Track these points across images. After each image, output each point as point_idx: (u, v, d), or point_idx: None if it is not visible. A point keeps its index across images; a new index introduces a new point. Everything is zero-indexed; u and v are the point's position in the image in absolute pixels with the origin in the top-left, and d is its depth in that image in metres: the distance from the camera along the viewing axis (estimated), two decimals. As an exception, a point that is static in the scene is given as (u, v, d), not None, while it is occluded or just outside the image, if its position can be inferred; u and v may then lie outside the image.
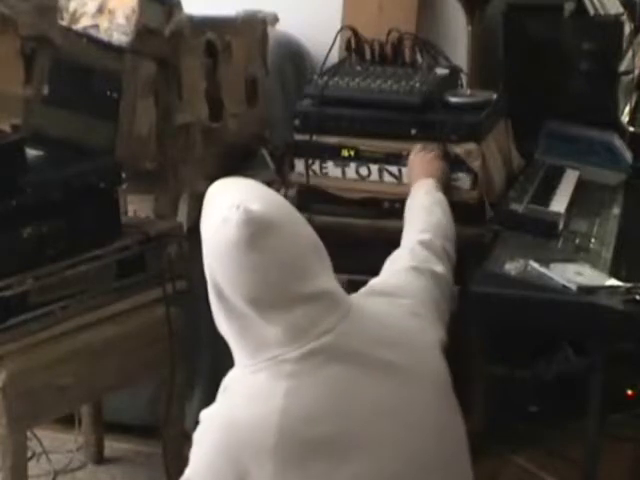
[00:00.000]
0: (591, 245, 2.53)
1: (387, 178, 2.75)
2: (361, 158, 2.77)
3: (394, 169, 2.74)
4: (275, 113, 3.31)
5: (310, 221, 1.89)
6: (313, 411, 1.69)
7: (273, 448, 1.66)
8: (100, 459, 3.14)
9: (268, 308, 1.72)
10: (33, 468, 2.87)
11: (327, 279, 1.79)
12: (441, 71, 2.91)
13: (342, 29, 3.14)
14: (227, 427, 1.73)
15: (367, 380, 1.74)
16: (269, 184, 2.97)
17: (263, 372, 1.73)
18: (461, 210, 2.69)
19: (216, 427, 1.75)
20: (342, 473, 1.68)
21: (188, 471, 1.78)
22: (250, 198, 1.76)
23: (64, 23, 2.70)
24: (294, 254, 1.75)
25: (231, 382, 1.80)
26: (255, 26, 3.18)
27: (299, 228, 1.79)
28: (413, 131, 2.74)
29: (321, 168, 2.79)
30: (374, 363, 1.76)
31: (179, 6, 2.84)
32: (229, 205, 1.75)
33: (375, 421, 1.72)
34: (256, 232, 1.71)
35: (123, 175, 2.64)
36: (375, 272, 2.15)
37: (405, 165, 2.73)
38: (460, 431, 1.85)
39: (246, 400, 1.74)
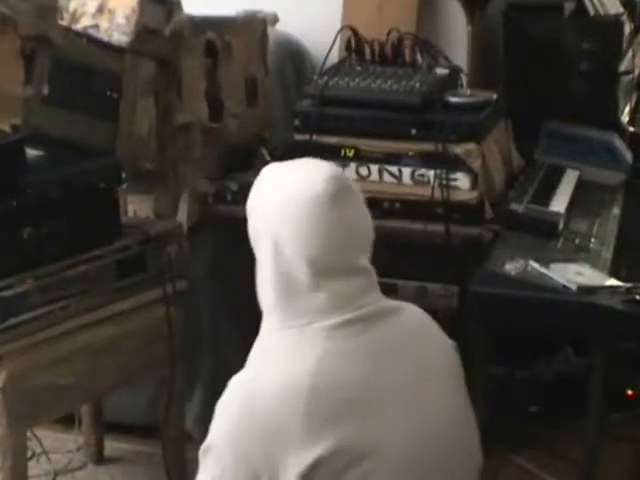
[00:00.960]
0: (591, 245, 2.53)
1: (387, 178, 2.76)
2: (361, 158, 2.78)
3: (394, 169, 2.75)
4: (275, 113, 3.31)
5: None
6: (344, 376, 1.71)
7: (303, 409, 1.67)
8: (100, 459, 3.14)
9: (323, 272, 1.75)
10: (33, 468, 2.87)
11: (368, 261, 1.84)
12: (441, 71, 2.91)
13: (342, 29, 3.15)
14: (254, 394, 1.72)
15: (395, 357, 1.77)
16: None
17: (298, 336, 1.75)
18: (461, 210, 2.70)
19: (243, 394, 1.75)
20: (371, 435, 1.69)
21: (210, 438, 1.77)
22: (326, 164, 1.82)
23: (64, 23, 2.70)
24: (359, 225, 1.81)
25: (265, 345, 1.81)
26: (255, 26, 3.18)
27: (364, 204, 1.84)
28: (413, 131, 2.74)
29: (321, 168, 2.78)
30: (401, 347, 1.79)
31: (179, 6, 2.83)
32: (312, 164, 1.81)
33: (399, 396, 1.75)
34: (340, 190, 1.76)
35: (123, 175, 2.64)
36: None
37: (405, 165, 2.74)
38: (474, 427, 1.87)
39: (279, 363, 1.74)
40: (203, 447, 1.78)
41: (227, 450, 1.73)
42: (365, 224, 1.83)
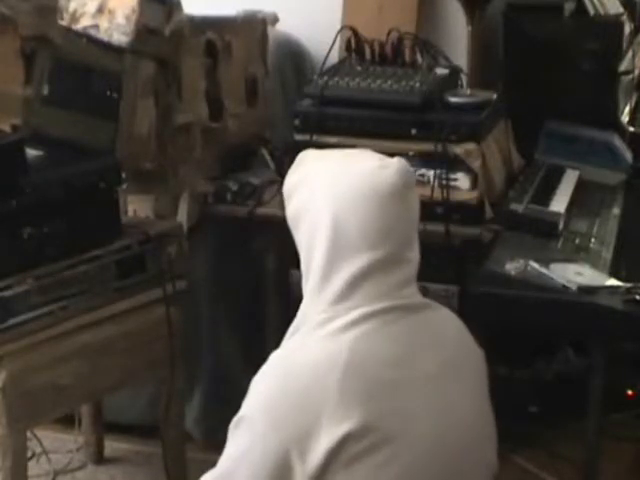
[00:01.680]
0: (591, 245, 2.53)
1: (387, 178, 2.75)
2: (361, 158, 2.77)
3: (394, 169, 2.74)
4: (275, 113, 3.31)
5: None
6: (379, 355, 1.73)
7: (338, 383, 1.68)
8: (100, 459, 3.14)
9: (381, 261, 1.76)
10: (33, 468, 2.87)
11: None
12: (441, 71, 2.91)
13: (342, 29, 3.14)
14: (292, 368, 1.74)
15: (429, 348, 1.79)
16: (270, 184, 3.00)
17: (337, 320, 1.75)
18: (461, 210, 2.70)
19: (281, 368, 1.76)
20: (397, 418, 1.71)
21: (244, 409, 1.75)
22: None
23: (64, 23, 2.70)
24: (416, 218, 1.84)
25: (303, 326, 1.81)
26: (255, 26, 3.18)
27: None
28: (413, 131, 2.74)
29: (321, 168, 2.78)
30: (436, 340, 1.82)
31: (179, 6, 2.83)
32: (380, 156, 1.83)
33: (429, 386, 1.76)
34: (408, 183, 1.80)
35: (123, 175, 2.64)
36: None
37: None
38: (493, 433, 1.90)
39: (318, 343, 1.75)
40: (235, 419, 1.76)
41: (260, 419, 1.72)
42: (417, 216, 1.86)
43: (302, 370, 1.72)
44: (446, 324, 1.87)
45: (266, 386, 1.75)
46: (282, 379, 1.74)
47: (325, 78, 2.85)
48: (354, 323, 1.74)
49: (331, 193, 1.79)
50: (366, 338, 1.73)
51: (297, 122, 2.84)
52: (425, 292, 2.70)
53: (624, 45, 3.27)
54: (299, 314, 1.84)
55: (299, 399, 1.69)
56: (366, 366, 1.71)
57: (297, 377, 1.72)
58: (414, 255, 1.83)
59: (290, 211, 1.87)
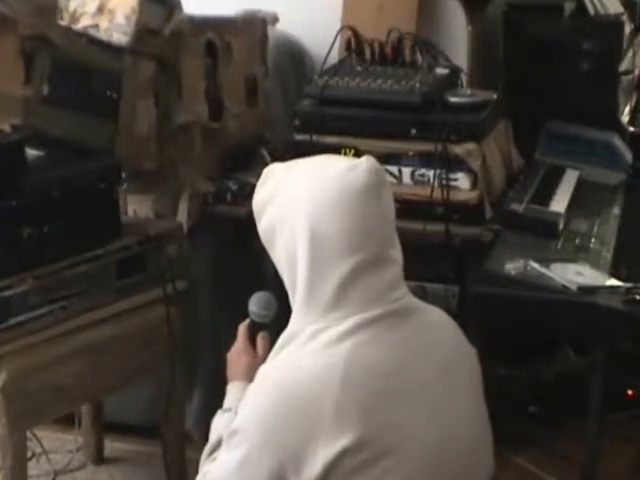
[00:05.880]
0: (591, 245, 2.53)
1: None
2: (361, 158, 2.77)
3: (394, 169, 2.75)
4: (275, 113, 3.31)
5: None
6: (375, 367, 1.71)
7: (335, 396, 1.66)
8: (100, 459, 3.14)
9: (363, 263, 1.74)
10: (33, 468, 2.88)
11: None
12: (441, 71, 2.91)
13: (342, 29, 3.15)
14: (287, 380, 1.71)
15: (423, 355, 1.78)
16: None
17: (331, 330, 1.73)
18: (461, 210, 2.70)
19: (276, 380, 1.73)
20: (394, 430, 1.69)
21: (239, 421, 1.74)
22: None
23: (64, 23, 2.70)
24: (392, 216, 1.82)
25: (295, 339, 1.78)
26: (255, 26, 3.18)
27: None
28: (413, 131, 2.74)
29: (321, 168, 2.78)
30: (429, 346, 1.79)
31: (179, 6, 2.84)
32: (347, 159, 1.83)
33: (425, 394, 1.75)
34: (380, 181, 1.78)
35: (123, 175, 2.64)
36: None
37: (405, 165, 2.74)
38: (489, 434, 1.88)
39: (312, 353, 1.73)
40: (229, 429, 1.75)
41: (255, 433, 1.70)
42: (394, 214, 1.84)
43: (297, 383, 1.70)
44: (439, 325, 1.85)
45: (261, 399, 1.73)
46: (277, 392, 1.71)
47: (325, 78, 2.85)
48: (348, 333, 1.72)
49: (304, 202, 1.76)
50: (362, 349, 1.71)
51: (297, 122, 2.84)
52: (425, 292, 2.73)
53: (624, 45, 3.27)
54: (288, 329, 1.81)
55: (294, 413, 1.68)
56: (363, 378, 1.69)
57: (292, 390, 1.70)
58: (397, 254, 1.81)
59: (263, 227, 1.83)
